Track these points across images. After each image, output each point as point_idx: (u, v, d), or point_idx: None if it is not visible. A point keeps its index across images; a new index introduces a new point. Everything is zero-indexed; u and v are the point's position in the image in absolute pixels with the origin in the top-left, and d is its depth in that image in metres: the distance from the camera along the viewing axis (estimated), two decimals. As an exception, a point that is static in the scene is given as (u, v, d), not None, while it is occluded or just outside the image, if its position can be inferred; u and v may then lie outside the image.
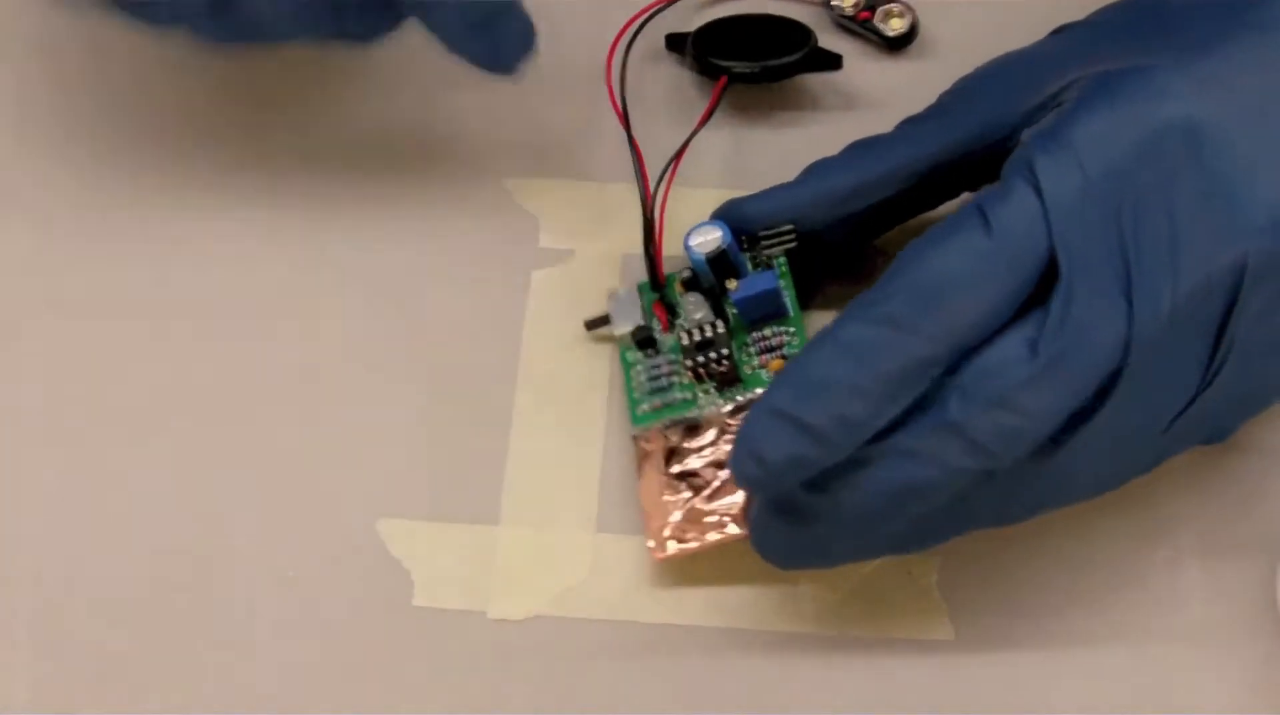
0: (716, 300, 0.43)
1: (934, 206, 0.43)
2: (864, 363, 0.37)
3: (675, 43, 0.48)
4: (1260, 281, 0.37)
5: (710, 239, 0.43)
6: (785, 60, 0.46)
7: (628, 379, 0.44)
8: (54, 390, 0.45)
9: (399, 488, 0.43)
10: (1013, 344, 0.36)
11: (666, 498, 0.42)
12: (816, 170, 0.43)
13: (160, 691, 0.41)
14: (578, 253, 0.46)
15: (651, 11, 0.47)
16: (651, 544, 0.42)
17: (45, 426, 0.44)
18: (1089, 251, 0.36)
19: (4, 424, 0.45)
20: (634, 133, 0.45)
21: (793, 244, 0.43)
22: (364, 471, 0.43)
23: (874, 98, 0.47)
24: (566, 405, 0.44)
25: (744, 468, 0.38)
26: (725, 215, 0.43)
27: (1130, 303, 0.36)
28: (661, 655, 0.41)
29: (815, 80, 0.47)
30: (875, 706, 0.41)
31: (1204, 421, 0.39)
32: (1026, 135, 0.39)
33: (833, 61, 0.47)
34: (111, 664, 0.42)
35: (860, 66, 0.47)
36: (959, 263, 0.37)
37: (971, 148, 0.41)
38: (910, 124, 0.43)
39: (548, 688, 0.41)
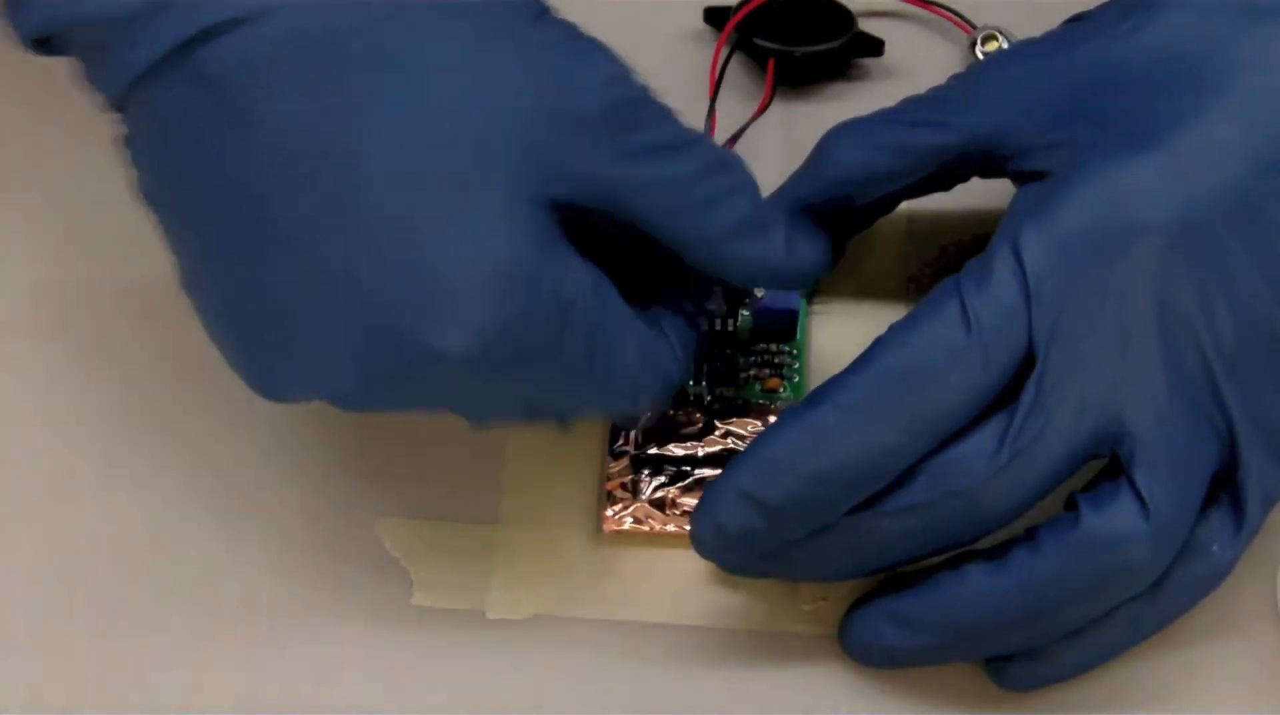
0: (733, 299, 0.43)
1: (947, 188, 0.42)
2: (828, 450, 0.37)
3: (714, 16, 0.47)
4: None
5: None
6: (829, 46, 0.46)
7: None
8: (52, 389, 0.45)
9: (399, 487, 0.43)
10: (984, 437, 0.37)
11: (636, 475, 0.42)
12: (825, 160, 0.41)
13: (160, 691, 0.41)
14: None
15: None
16: (610, 513, 0.42)
17: (44, 425, 0.44)
18: (1067, 351, 0.36)
19: (4, 422, 0.45)
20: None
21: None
22: (364, 471, 0.43)
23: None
24: (567, 404, 0.44)
25: (703, 536, 0.38)
26: None
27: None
28: (661, 655, 0.41)
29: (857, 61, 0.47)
30: (875, 706, 0.41)
31: None
32: (1019, 199, 0.38)
33: (875, 47, 0.47)
34: (111, 664, 0.41)
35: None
36: (933, 355, 0.37)
37: (985, 150, 0.40)
38: (921, 116, 0.41)
39: (548, 688, 0.41)
